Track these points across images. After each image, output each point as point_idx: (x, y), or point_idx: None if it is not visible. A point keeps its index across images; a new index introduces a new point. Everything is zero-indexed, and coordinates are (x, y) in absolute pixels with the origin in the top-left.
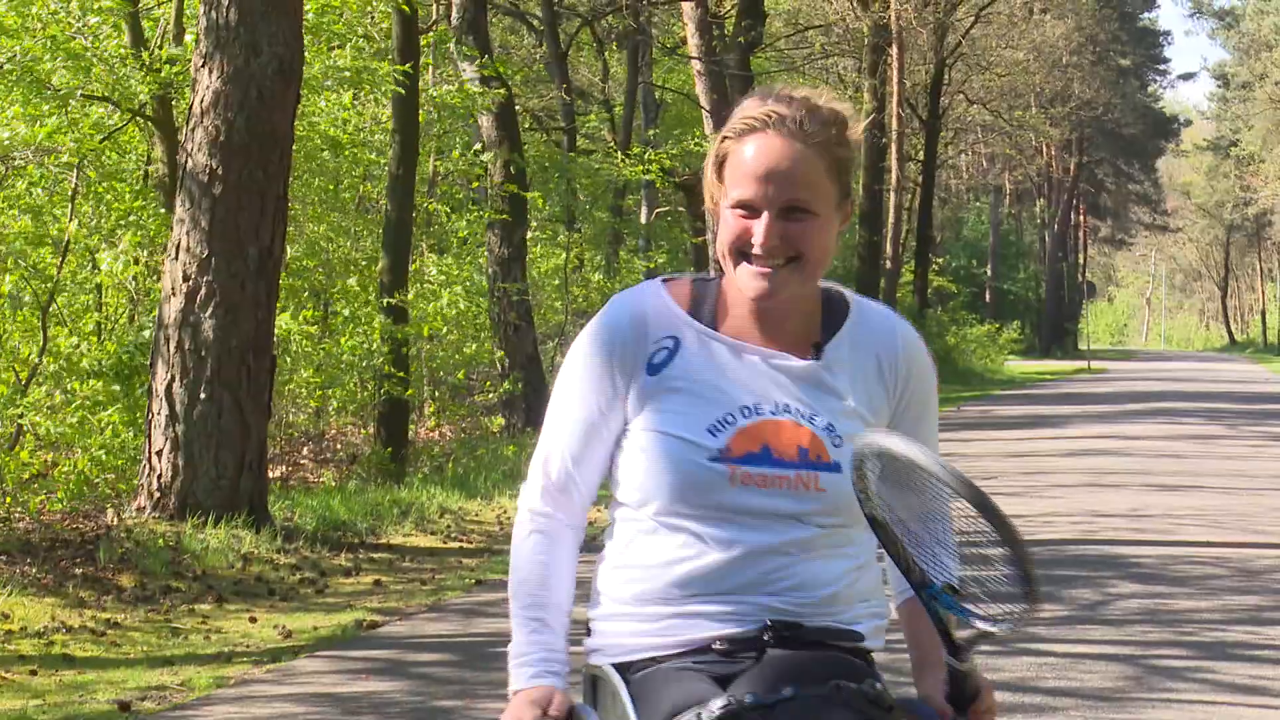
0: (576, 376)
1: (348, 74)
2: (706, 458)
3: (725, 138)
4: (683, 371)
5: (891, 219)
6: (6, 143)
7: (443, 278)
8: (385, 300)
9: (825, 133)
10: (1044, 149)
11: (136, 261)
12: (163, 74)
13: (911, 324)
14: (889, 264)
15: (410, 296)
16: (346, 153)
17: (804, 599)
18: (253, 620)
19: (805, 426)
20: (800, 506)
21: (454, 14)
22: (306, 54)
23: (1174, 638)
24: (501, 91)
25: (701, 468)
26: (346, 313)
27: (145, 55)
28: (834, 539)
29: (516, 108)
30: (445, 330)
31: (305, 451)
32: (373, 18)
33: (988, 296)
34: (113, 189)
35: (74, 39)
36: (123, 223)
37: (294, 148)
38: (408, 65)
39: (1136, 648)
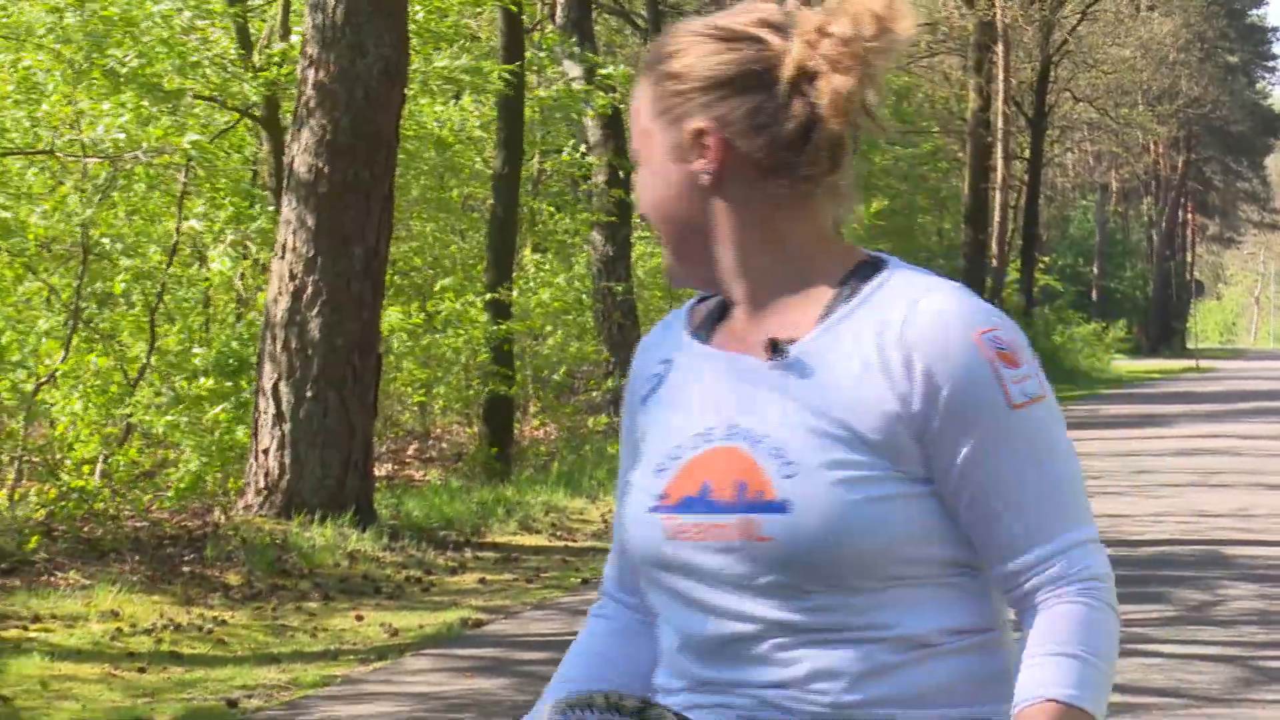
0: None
1: (461, 76)
2: (647, 507)
3: None
4: (663, 398)
5: (997, 217)
6: (121, 144)
7: (544, 275)
8: (488, 296)
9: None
10: (1151, 146)
11: (244, 258)
12: (270, 74)
13: (1016, 321)
14: (994, 262)
15: (514, 294)
16: (454, 154)
17: (794, 704)
18: (359, 618)
19: (747, 453)
20: (744, 567)
21: (559, 13)
22: (413, 55)
23: None
24: (608, 97)
25: (639, 521)
26: (447, 311)
27: (255, 56)
28: (818, 614)
29: (621, 107)
30: (548, 328)
31: (411, 450)
32: (477, 20)
33: (1094, 295)
34: (221, 189)
35: (184, 40)
36: (230, 222)
37: (399, 147)
38: (514, 65)
39: (1245, 648)
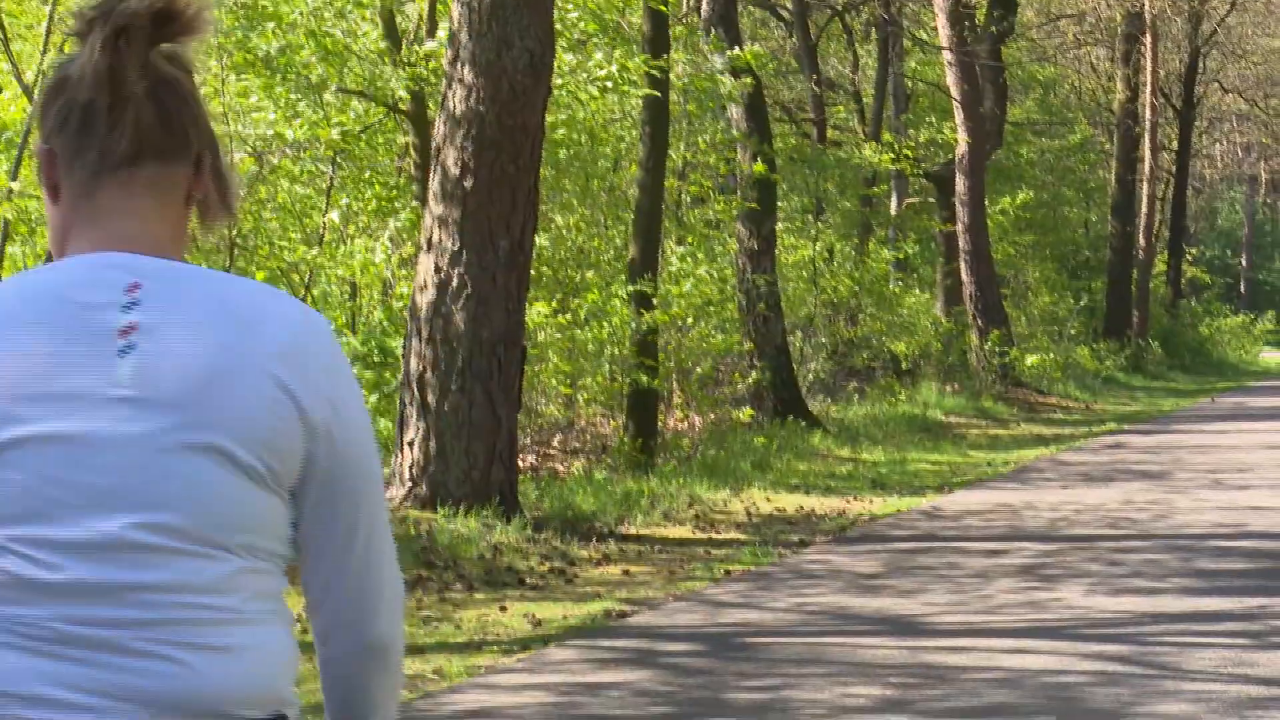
0: None
1: (607, 81)
2: None
3: None
4: None
5: (1144, 209)
6: (270, 137)
7: (687, 266)
8: (631, 288)
9: None
10: None
11: (394, 252)
12: (417, 68)
13: (1164, 314)
14: (1142, 254)
15: (658, 285)
16: (601, 146)
17: None
18: (503, 609)
19: None
20: None
21: (704, 6)
22: (560, 53)
23: None
24: (750, 81)
25: None
26: (591, 303)
27: (404, 51)
28: None
29: (766, 99)
30: (692, 320)
31: (555, 441)
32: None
33: (1242, 287)
34: (368, 183)
35: (332, 33)
36: (379, 216)
37: (545, 139)
38: (661, 60)
39: None
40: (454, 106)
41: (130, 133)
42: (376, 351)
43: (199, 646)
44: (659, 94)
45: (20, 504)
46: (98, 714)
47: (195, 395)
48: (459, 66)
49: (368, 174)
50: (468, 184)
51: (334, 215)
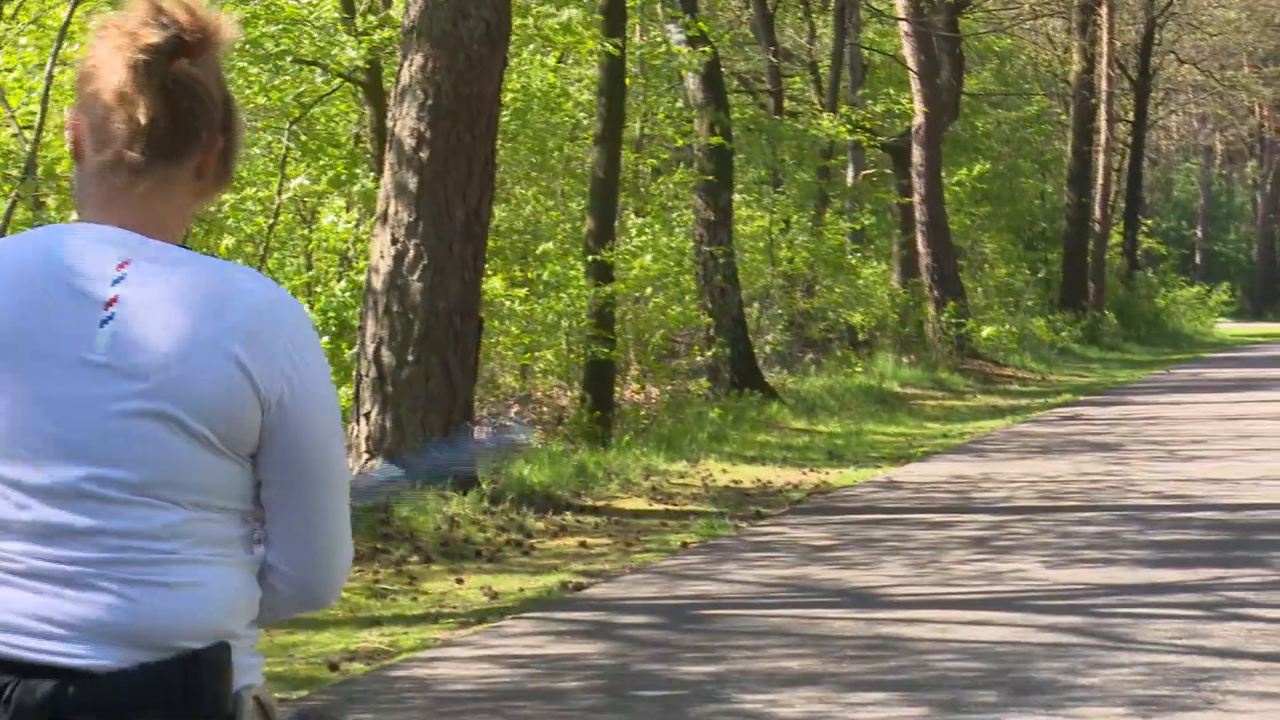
0: None
1: (560, 36)
2: None
3: None
4: None
5: (1100, 180)
6: None
7: (645, 238)
8: (590, 259)
9: None
10: (1256, 109)
11: (357, 222)
12: (372, 37)
13: (1120, 286)
14: (1098, 226)
15: (615, 256)
16: (561, 115)
17: None
18: (459, 581)
19: None
20: None
21: None
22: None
23: None
24: (708, 51)
25: None
26: (548, 274)
27: (359, 19)
28: None
29: (723, 70)
30: (649, 291)
31: (512, 413)
32: None
33: (1198, 258)
34: (323, 153)
35: (286, 2)
36: (334, 185)
37: (501, 110)
38: (615, 39)
39: None
40: (410, 76)
41: (143, 146)
42: (334, 322)
43: (144, 583)
44: (616, 50)
45: (10, 437)
46: (62, 642)
47: (158, 367)
48: (414, 36)
49: (324, 145)
50: (424, 154)
51: (304, 179)
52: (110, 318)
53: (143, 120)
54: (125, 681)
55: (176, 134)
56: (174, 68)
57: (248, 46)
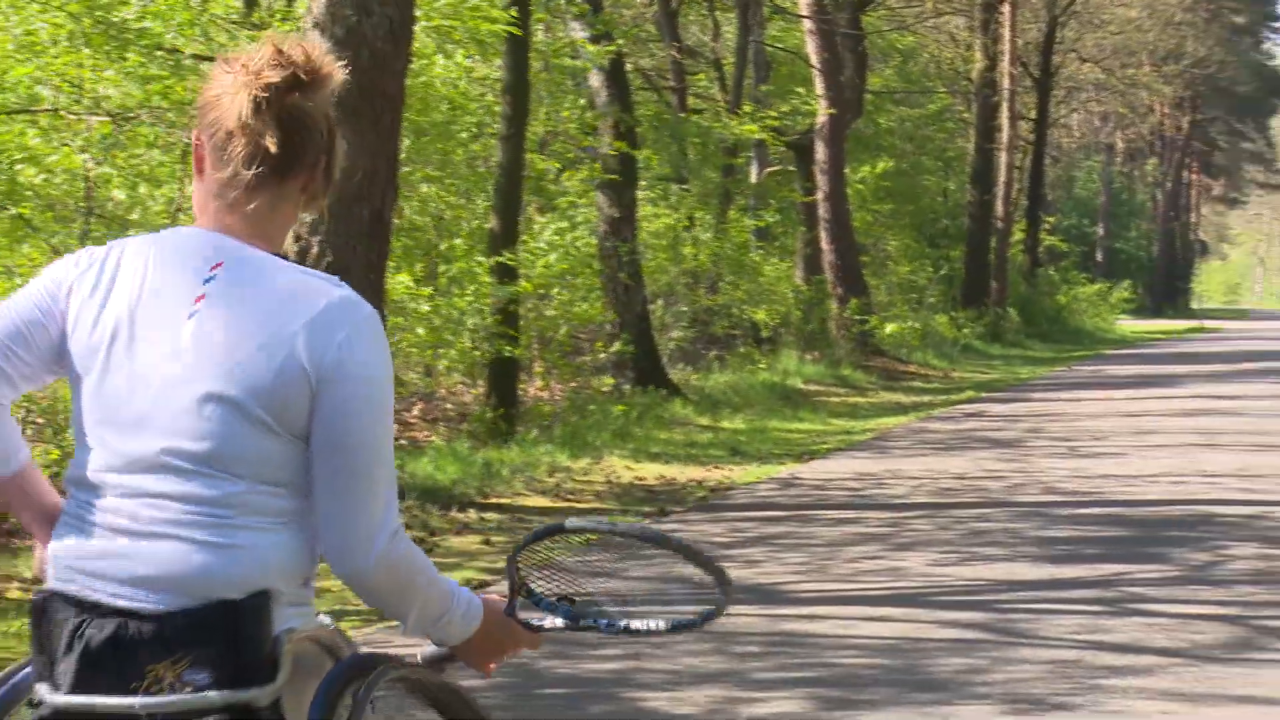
0: None
1: (458, 23)
2: None
3: None
4: None
5: (1003, 178)
6: (119, 102)
7: (552, 236)
8: (494, 258)
9: None
10: (1156, 107)
11: None
12: (273, 34)
13: (1022, 282)
14: (1000, 223)
15: (519, 255)
16: (464, 114)
17: None
18: None
19: None
20: None
21: None
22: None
23: None
24: (612, 48)
25: None
26: (454, 272)
27: (256, 15)
28: None
29: (627, 67)
30: (555, 289)
31: (416, 410)
32: None
33: (1099, 255)
34: None
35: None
36: None
37: (405, 107)
38: (516, 28)
39: (1245, 608)
40: None
41: (257, 169)
42: None
43: (197, 542)
44: (519, 32)
45: (109, 410)
46: (126, 587)
47: (225, 358)
48: (317, 33)
49: None
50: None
51: (189, 186)
52: (196, 312)
53: (268, 146)
54: (173, 622)
55: (287, 157)
56: (289, 101)
57: (145, 44)
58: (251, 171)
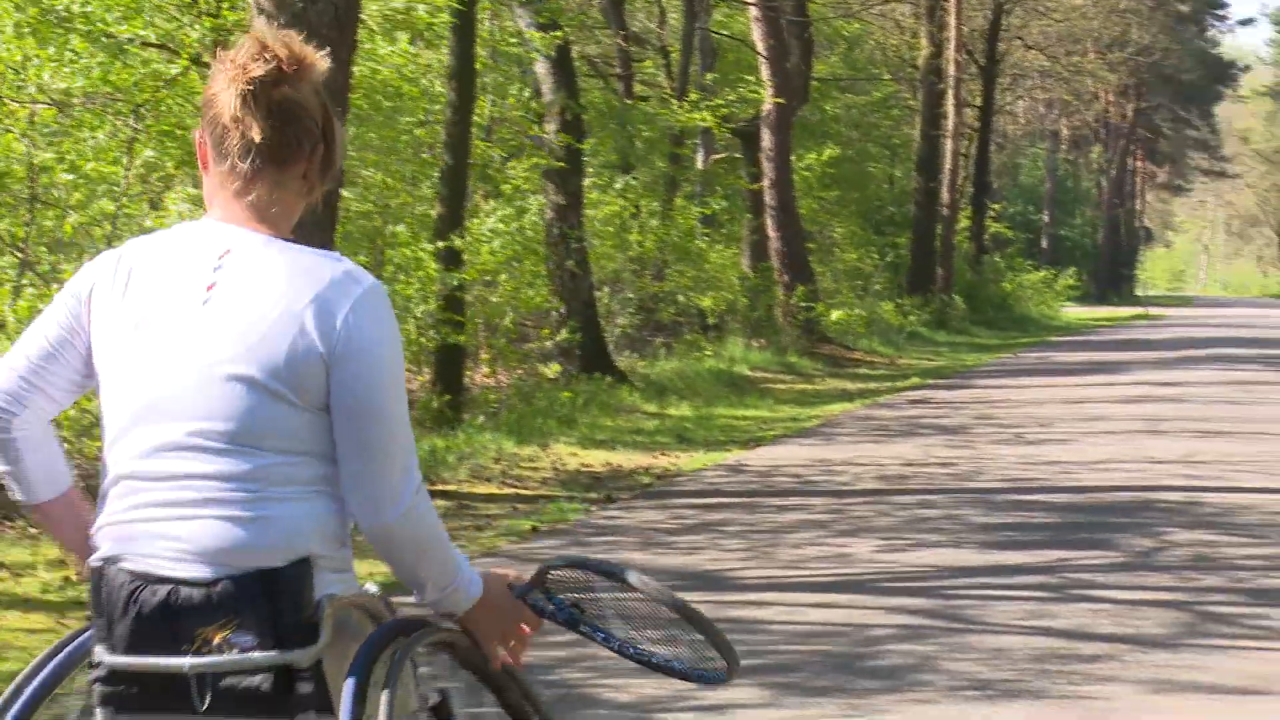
0: None
1: (406, 14)
2: None
3: None
4: None
5: (948, 165)
6: (64, 91)
7: (497, 224)
8: (439, 244)
9: None
10: (1101, 95)
11: (199, 205)
12: (219, 19)
13: (968, 270)
14: (946, 210)
15: (465, 241)
16: (409, 101)
17: None
18: None
19: None
20: None
21: None
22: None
23: (1228, 584)
24: (558, 35)
25: None
26: (399, 259)
27: (202, 1)
28: None
29: (573, 54)
30: (501, 276)
31: None
32: None
33: (1044, 243)
34: (172, 137)
35: None
36: (180, 169)
37: (351, 94)
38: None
39: (1191, 594)
40: None
41: (253, 159)
42: None
43: (229, 517)
44: (458, 21)
45: (137, 402)
46: (173, 560)
47: (240, 338)
48: (263, 20)
49: (172, 129)
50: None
51: (150, 153)
52: (209, 300)
53: (254, 137)
54: (219, 589)
55: (281, 146)
56: (277, 93)
57: (90, 31)
58: (247, 163)
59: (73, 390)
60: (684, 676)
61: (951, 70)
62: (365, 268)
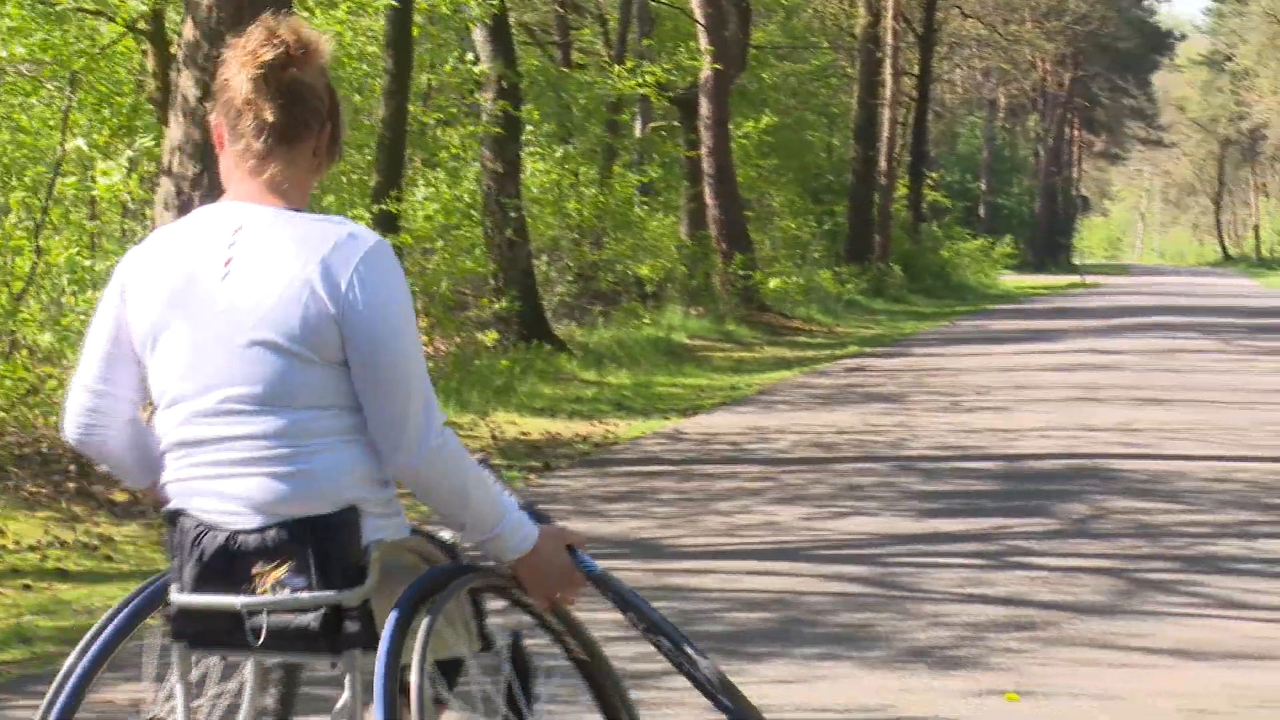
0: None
1: None
2: None
3: None
4: None
5: (886, 133)
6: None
7: (433, 190)
8: (375, 208)
9: None
10: (1039, 63)
11: (132, 172)
12: None
13: (906, 238)
14: (883, 179)
15: (400, 207)
16: (346, 69)
17: None
18: None
19: None
20: None
21: None
22: None
23: (1164, 551)
24: (495, 3)
25: None
26: None
27: None
28: None
29: (511, 21)
30: (438, 243)
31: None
32: None
33: (981, 211)
34: (108, 104)
35: None
36: (115, 138)
37: None
38: None
39: (1127, 561)
40: (194, 27)
41: (265, 139)
42: None
43: (276, 474)
44: (396, 4)
45: (175, 376)
46: (228, 513)
47: (257, 305)
48: None
49: (108, 96)
50: (208, 106)
51: (79, 143)
52: (227, 274)
53: (267, 118)
54: (272, 535)
55: (291, 126)
56: (286, 76)
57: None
58: (260, 142)
59: (140, 384)
60: (700, 685)
61: (889, 38)
62: None
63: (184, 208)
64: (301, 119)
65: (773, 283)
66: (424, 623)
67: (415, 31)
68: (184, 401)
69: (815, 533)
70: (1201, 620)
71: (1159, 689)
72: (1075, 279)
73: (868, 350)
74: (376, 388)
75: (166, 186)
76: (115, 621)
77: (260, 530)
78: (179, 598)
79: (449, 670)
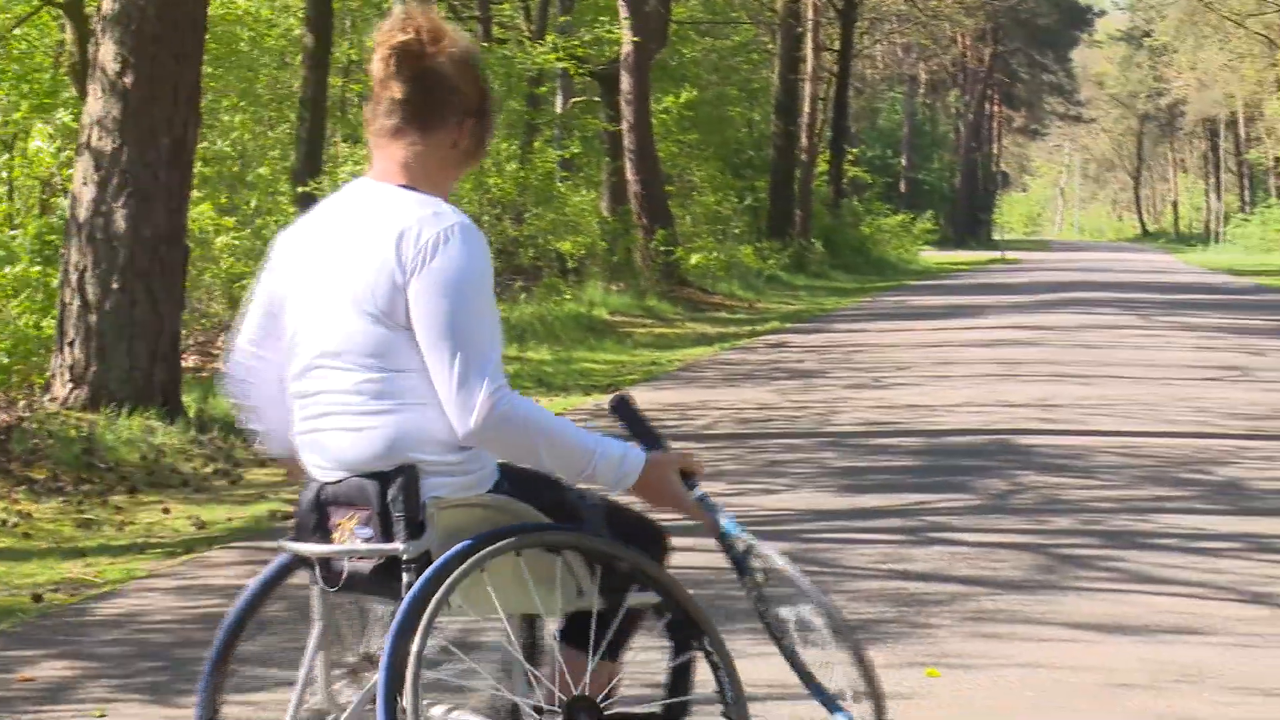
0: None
1: None
2: None
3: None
4: None
5: (807, 109)
6: None
7: (354, 167)
8: (298, 188)
9: None
10: (959, 39)
11: (55, 147)
12: None
13: (827, 214)
14: (804, 154)
15: (324, 184)
16: (267, 41)
17: None
18: (165, 511)
19: None
20: None
21: None
22: None
23: (1082, 527)
24: None
25: None
26: (255, 202)
27: None
28: None
29: None
30: None
31: (219, 342)
32: None
33: (902, 187)
34: (25, 79)
35: None
36: (34, 112)
37: (208, 35)
38: None
39: (1046, 537)
40: (113, 0)
41: (394, 118)
42: (50, 247)
43: (350, 426)
44: None
45: (294, 336)
46: (324, 470)
47: (348, 273)
48: None
49: (27, 69)
50: (128, 80)
51: None
52: (336, 244)
53: (396, 95)
54: (343, 489)
55: (424, 110)
56: (416, 59)
57: None
58: (390, 120)
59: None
60: (795, 666)
61: (810, 14)
62: (223, 209)
63: (103, 183)
64: (434, 105)
65: (694, 258)
66: (436, 595)
67: (335, 5)
68: (297, 357)
69: (735, 508)
70: (1119, 595)
71: (1079, 663)
72: (995, 255)
73: (789, 326)
74: (432, 352)
75: (85, 161)
76: (264, 573)
77: (338, 484)
78: (288, 545)
79: (580, 622)
